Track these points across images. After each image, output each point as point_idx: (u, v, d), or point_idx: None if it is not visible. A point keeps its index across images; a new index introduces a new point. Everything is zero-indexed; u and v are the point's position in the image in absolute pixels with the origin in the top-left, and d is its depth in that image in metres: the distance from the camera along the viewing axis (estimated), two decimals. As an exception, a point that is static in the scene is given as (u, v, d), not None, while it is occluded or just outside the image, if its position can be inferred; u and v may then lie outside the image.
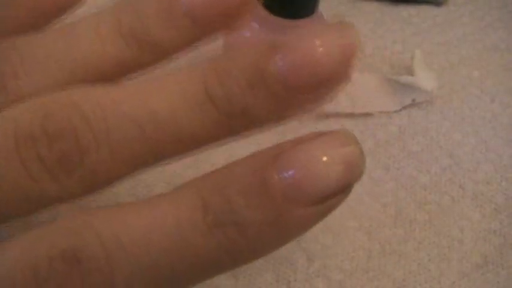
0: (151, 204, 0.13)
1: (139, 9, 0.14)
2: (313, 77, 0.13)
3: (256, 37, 0.27)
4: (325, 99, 0.14)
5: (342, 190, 0.13)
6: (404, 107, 0.33)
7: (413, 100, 0.33)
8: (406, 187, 0.28)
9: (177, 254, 0.13)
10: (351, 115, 0.32)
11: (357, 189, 0.28)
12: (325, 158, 0.13)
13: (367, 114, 0.32)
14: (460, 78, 0.36)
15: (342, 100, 0.32)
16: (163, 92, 0.13)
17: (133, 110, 0.13)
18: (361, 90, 0.33)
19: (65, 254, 0.12)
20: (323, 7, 0.28)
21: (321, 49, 0.13)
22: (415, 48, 0.36)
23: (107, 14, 0.14)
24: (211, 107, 0.13)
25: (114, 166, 0.13)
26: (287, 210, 0.13)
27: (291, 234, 0.14)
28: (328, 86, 0.13)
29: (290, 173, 0.13)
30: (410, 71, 0.34)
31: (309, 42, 0.13)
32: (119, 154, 0.13)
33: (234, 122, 0.13)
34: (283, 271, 0.24)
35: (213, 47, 0.34)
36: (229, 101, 0.13)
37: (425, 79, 0.33)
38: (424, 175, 0.30)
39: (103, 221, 0.13)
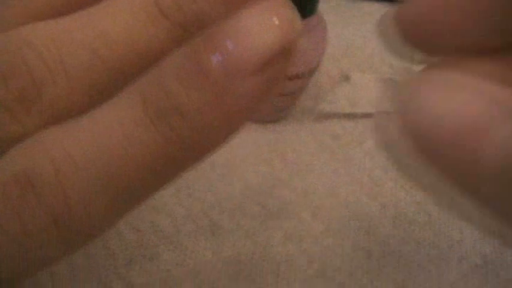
0: (96, 114, 0.13)
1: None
2: None
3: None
4: None
5: (281, 52, 0.12)
6: (404, 107, 0.33)
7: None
8: (405, 187, 0.28)
9: (127, 158, 0.12)
10: (350, 115, 0.32)
11: (357, 189, 0.28)
12: (255, 24, 0.12)
13: (367, 115, 0.32)
14: (459, 78, 0.36)
15: (341, 100, 0.32)
16: (112, 13, 0.13)
17: (84, 36, 0.13)
18: (361, 90, 0.33)
19: (17, 178, 0.12)
20: (323, 7, 0.28)
21: None
22: (415, 49, 0.36)
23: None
24: (163, 19, 0.13)
25: (74, 96, 0.13)
26: (228, 85, 0.12)
27: (238, 112, 0.13)
28: None
29: (222, 47, 0.12)
30: (409, 72, 0.34)
31: None
32: (77, 83, 0.13)
33: (189, 32, 0.13)
34: (283, 271, 0.24)
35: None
36: (180, 9, 0.13)
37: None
38: (424, 175, 0.30)
39: (52, 140, 0.12)
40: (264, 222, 0.26)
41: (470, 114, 0.10)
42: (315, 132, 0.31)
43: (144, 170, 0.13)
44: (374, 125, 0.32)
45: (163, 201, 0.26)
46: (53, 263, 0.13)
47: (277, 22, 0.12)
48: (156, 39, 0.13)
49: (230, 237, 0.25)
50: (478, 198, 0.12)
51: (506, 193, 0.11)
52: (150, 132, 0.12)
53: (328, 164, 0.29)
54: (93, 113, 0.13)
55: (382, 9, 0.39)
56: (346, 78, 0.33)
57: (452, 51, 0.13)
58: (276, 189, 0.27)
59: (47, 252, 0.12)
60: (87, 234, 0.13)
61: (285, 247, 0.25)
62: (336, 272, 0.24)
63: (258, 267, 0.24)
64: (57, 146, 0.12)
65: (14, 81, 0.12)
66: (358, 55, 0.36)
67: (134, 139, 0.12)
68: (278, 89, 0.29)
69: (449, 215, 0.27)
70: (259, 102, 0.13)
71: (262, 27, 0.12)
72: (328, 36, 0.29)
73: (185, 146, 0.13)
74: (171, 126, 0.12)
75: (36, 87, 0.12)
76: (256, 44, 0.12)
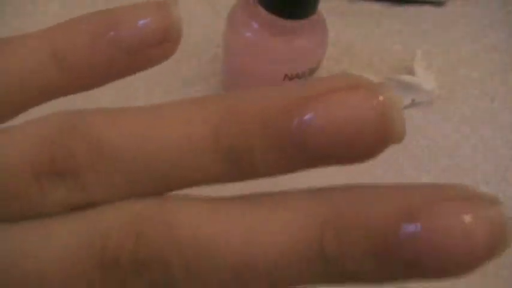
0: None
1: (242, 125, 0.12)
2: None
3: (256, 37, 0.27)
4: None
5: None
6: (405, 107, 0.33)
7: (413, 100, 0.33)
8: (406, 187, 0.28)
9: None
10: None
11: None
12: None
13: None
14: (459, 78, 0.36)
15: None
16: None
17: (230, 256, 0.12)
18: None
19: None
20: (323, 7, 0.28)
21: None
22: (415, 49, 0.36)
23: (203, 120, 0.12)
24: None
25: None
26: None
27: None
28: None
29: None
30: (410, 72, 0.34)
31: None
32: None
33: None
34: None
35: (214, 50, 0.34)
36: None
37: (426, 79, 0.33)
38: (424, 175, 0.30)
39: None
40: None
41: None
42: (315, 132, 0.31)
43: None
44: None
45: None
46: None
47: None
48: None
49: (230, 237, 0.25)
50: None
51: None
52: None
53: (329, 164, 0.29)
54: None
55: (382, 9, 0.39)
56: (346, 78, 0.33)
57: None
58: (276, 189, 0.27)
59: None
60: None
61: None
62: (336, 272, 0.24)
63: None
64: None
65: (147, 274, 0.12)
66: (358, 55, 0.36)
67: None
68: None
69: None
70: None
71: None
72: (328, 36, 0.29)
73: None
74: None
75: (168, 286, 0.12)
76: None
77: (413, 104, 0.33)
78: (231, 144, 0.12)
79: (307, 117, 0.11)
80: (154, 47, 0.15)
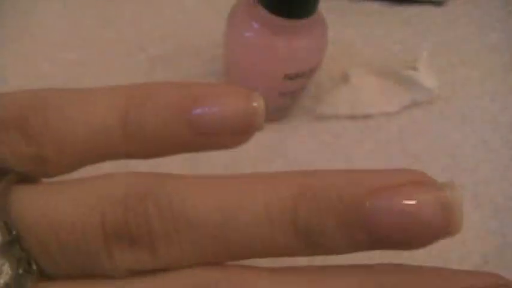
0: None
1: (320, 207, 0.12)
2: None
3: (257, 37, 0.27)
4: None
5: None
6: (405, 107, 0.33)
7: (413, 100, 0.33)
8: (406, 187, 0.28)
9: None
10: (350, 116, 0.32)
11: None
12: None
13: (367, 115, 0.32)
14: (460, 78, 0.36)
15: (341, 102, 0.32)
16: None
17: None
18: (360, 92, 0.33)
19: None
20: (323, 7, 0.28)
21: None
22: (419, 49, 0.36)
23: (281, 195, 0.13)
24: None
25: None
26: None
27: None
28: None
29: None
30: (412, 70, 0.34)
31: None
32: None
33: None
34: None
35: (214, 49, 0.34)
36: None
37: (427, 77, 0.33)
38: (424, 175, 0.30)
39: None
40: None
41: None
42: (315, 132, 0.31)
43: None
44: (374, 126, 0.32)
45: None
46: None
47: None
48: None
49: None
50: None
51: None
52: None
53: (329, 163, 0.29)
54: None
55: (382, 9, 0.39)
56: (346, 78, 0.33)
57: None
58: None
59: None
60: None
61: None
62: (336, 272, 0.24)
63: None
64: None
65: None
66: (358, 55, 0.36)
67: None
68: (279, 88, 0.29)
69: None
70: None
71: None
72: (328, 36, 0.29)
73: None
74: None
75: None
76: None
77: (413, 103, 0.33)
78: (306, 221, 0.12)
79: (377, 205, 0.12)
80: (228, 136, 0.14)
